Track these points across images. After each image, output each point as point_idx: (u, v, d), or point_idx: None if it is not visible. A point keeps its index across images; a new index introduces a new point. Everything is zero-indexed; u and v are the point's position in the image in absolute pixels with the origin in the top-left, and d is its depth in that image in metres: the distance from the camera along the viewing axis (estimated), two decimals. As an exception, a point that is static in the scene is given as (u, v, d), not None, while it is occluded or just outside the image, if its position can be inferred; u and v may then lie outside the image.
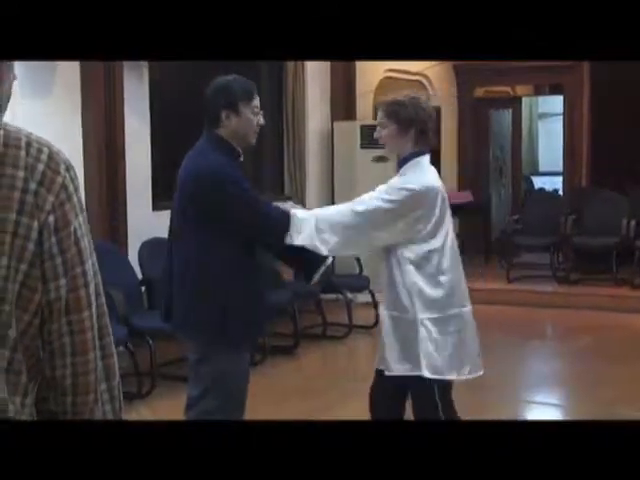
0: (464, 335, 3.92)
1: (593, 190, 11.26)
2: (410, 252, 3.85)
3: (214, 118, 3.76)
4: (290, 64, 9.26)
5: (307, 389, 6.66)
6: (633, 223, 10.08)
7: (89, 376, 1.77)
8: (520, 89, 14.18)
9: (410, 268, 3.84)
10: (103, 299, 1.81)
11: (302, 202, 9.42)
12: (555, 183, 14.31)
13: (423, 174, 3.90)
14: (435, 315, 3.84)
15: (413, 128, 3.89)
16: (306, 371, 7.52)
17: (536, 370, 7.78)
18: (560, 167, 12.69)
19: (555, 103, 14.64)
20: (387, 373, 3.92)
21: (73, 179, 1.75)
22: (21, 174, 1.67)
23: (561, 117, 12.69)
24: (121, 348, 6.31)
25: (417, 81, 11.88)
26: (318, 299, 8.31)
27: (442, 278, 3.86)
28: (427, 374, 3.81)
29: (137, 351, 6.30)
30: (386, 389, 4.03)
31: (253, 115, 3.78)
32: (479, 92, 13.12)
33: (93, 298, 1.77)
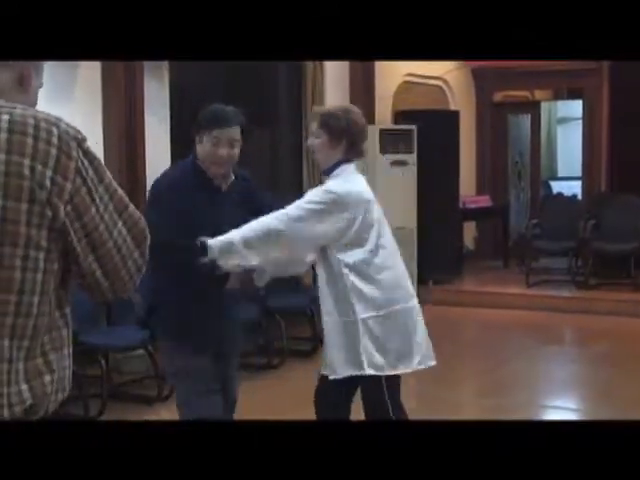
0: (411, 329, 4.03)
1: (612, 195, 11.22)
2: (345, 256, 3.94)
3: (192, 141, 3.85)
4: (309, 68, 9.28)
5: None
6: (652, 228, 10.05)
7: (120, 273, 1.80)
8: (539, 93, 14.13)
9: (346, 271, 3.94)
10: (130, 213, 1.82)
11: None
12: (573, 188, 14.25)
13: (347, 181, 3.98)
14: (375, 313, 3.95)
15: (344, 140, 3.97)
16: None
17: (554, 374, 7.76)
18: (579, 172, 12.65)
19: (574, 107, 14.60)
20: (332, 377, 3.98)
21: (86, 154, 1.72)
22: (27, 162, 1.64)
23: (580, 122, 12.65)
24: (141, 351, 6.35)
25: (436, 85, 11.88)
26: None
27: (379, 277, 3.97)
28: (370, 372, 3.92)
29: (157, 354, 6.33)
30: (329, 394, 4.09)
31: (211, 145, 3.73)
32: (498, 96, 13.09)
33: (118, 227, 1.78)
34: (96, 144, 6.94)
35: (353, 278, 3.94)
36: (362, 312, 3.94)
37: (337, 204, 3.89)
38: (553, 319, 9.51)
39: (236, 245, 3.76)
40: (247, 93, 9.24)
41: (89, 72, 6.86)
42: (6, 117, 1.66)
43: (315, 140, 4.04)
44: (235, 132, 3.76)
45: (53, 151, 1.66)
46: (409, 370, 4.04)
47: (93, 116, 6.96)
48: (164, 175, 3.96)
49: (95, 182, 1.72)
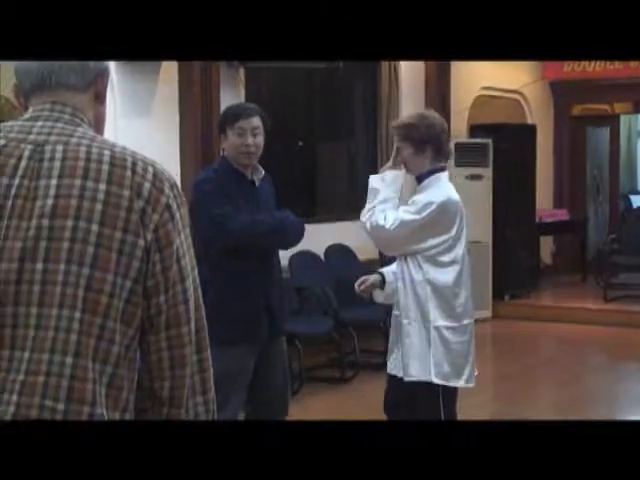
0: (472, 344, 4.13)
1: (694, 209, 11.01)
2: (430, 262, 4.01)
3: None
4: (385, 81, 9.31)
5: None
6: None
7: (184, 389, 1.81)
8: (618, 106, 13.93)
9: (430, 277, 4.00)
10: (203, 313, 1.85)
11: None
12: (654, 202, 14.02)
13: (442, 188, 4.10)
14: (452, 324, 4.02)
15: (428, 145, 4.05)
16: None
17: (631, 391, 7.62)
18: (660, 185, 12.43)
19: (655, 120, 14.35)
20: (406, 379, 4.05)
21: (177, 196, 1.79)
22: (127, 193, 1.72)
23: (661, 134, 12.44)
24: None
25: (513, 99, 11.80)
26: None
27: (460, 289, 4.05)
28: (436, 380, 3.97)
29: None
30: (400, 395, 4.14)
31: (236, 136, 4.07)
32: (576, 110, 12.94)
33: (192, 314, 1.80)
34: (173, 160, 7.12)
35: (435, 285, 4.01)
36: (438, 320, 4.00)
37: (440, 213, 4.01)
38: (631, 335, 9.33)
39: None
40: (324, 107, 9.31)
41: (167, 88, 7.00)
42: (108, 152, 1.75)
43: (401, 153, 4.13)
44: (257, 121, 4.11)
45: (147, 185, 1.74)
46: (462, 385, 4.07)
47: (170, 132, 7.09)
48: (206, 175, 4.26)
49: (180, 225, 1.79)
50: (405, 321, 4.05)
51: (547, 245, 12.21)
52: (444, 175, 4.13)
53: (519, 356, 8.66)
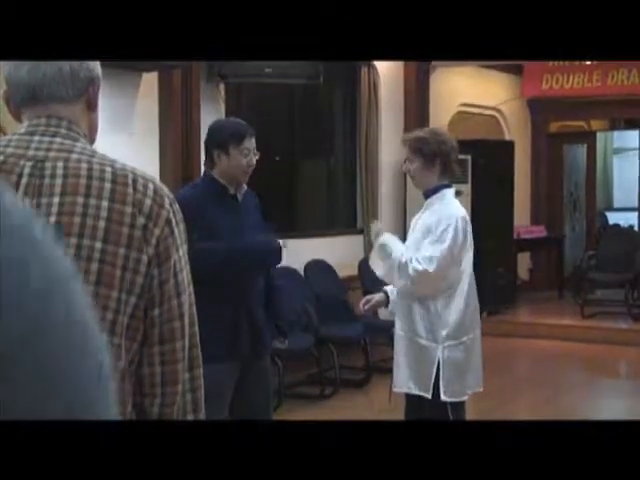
0: (478, 356, 4.20)
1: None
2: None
3: (209, 157, 4.08)
4: (364, 98, 9.32)
5: (378, 423, 6.65)
6: None
7: (173, 407, 1.81)
8: (595, 124, 14.05)
9: (438, 295, 4.07)
10: (196, 330, 1.85)
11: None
12: (630, 219, 14.10)
13: (449, 205, 4.13)
14: (457, 341, 4.06)
15: (437, 162, 4.09)
16: (377, 405, 7.51)
17: (609, 407, 7.65)
18: (635, 203, 12.53)
19: (631, 138, 14.48)
20: (398, 390, 4.17)
21: (176, 213, 1.80)
22: (129, 210, 1.72)
23: (637, 152, 12.54)
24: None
25: (491, 116, 11.87)
26: (391, 333, 8.30)
27: (465, 304, 4.08)
28: (446, 399, 4.01)
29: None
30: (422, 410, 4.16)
31: (242, 157, 4.01)
32: (554, 127, 13.03)
33: (187, 330, 1.81)
34: (153, 175, 7.08)
35: (444, 303, 4.06)
36: (446, 339, 4.05)
37: (458, 231, 4.04)
38: (609, 351, 9.38)
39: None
40: (303, 123, 9.32)
41: (146, 103, 6.98)
42: (109, 169, 1.75)
43: (410, 166, 4.18)
44: (254, 141, 4.09)
45: (148, 201, 1.75)
46: (471, 393, 4.17)
47: (150, 147, 7.07)
48: (188, 191, 4.16)
49: (179, 240, 1.79)
50: (414, 338, 4.11)
51: (524, 261, 12.26)
52: (450, 192, 4.18)
53: (497, 372, 8.66)
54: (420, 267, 3.97)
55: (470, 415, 4.26)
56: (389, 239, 4.18)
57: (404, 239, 4.46)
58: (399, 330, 4.21)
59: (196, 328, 1.84)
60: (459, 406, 4.09)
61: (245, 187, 4.18)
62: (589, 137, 13.55)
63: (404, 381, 4.13)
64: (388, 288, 4.26)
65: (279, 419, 6.18)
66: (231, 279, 4.03)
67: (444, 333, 4.02)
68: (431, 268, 3.96)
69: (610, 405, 7.76)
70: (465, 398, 4.11)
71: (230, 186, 4.09)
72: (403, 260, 4.01)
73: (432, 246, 4.02)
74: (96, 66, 1.87)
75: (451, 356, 4.03)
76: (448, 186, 4.17)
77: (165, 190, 1.81)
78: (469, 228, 4.10)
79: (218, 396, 3.93)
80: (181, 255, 1.80)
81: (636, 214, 12.62)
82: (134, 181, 1.76)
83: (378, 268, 4.16)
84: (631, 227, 13.43)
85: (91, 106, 1.88)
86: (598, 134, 14.02)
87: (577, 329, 10.05)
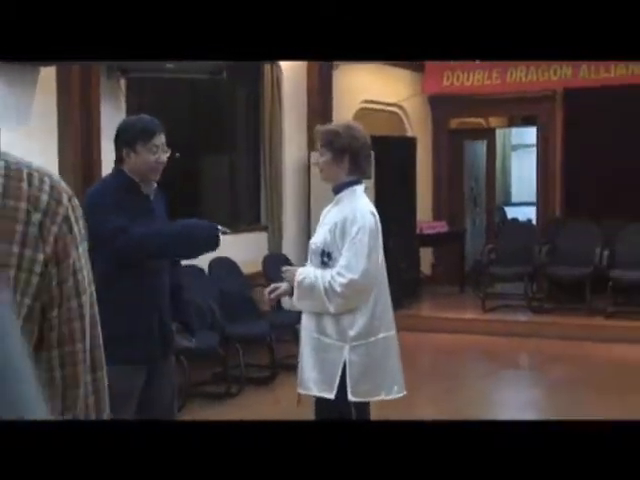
0: (392, 358, 4.13)
1: (566, 220, 11.37)
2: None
3: (118, 155, 4.07)
4: (267, 94, 9.31)
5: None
6: (606, 252, 10.17)
7: (75, 411, 1.76)
8: (494, 120, 14.32)
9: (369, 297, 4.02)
10: (99, 331, 1.78)
11: (279, 232, 9.45)
12: (528, 213, 14.42)
13: (358, 201, 4.09)
14: (365, 340, 4.00)
15: (346, 157, 4.04)
16: (283, 402, 7.51)
17: (510, 399, 7.80)
18: (533, 197, 12.80)
19: (528, 134, 14.80)
20: (302, 392, 4.10)
21: (75, 209, 1.73)
22: (23, 206, 1.64)
23: (534, 148, 12.82)
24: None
25: (393, 112, 11.97)
26: (295, 329, 8.31)
27: (374, 301, 4.04)
28: (353, 399, 3.97)
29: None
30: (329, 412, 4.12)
31: (151, 154, 3.98)
32: (454, 123, 13.23)
33: (88, 331, 1.75)
34: (52, 170, 6.92)
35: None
36: (352, 339, 3.99)
37: (370, 229, 4.00)
38: (509, 344, 9.58)
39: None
40: (206, 119, 9.25)
41: (45, 97, 6.82)
42: (1, 163, 1.66)
43: (320, 158, 4.13)
44: (163, 138, 4.05)
45: (44, 197, 1.67)
46: (389, 398, 4.11)
47: (48, 142, 6.91)
48: (99, 186, 4.24)
49: (78, 238, 1.72)
50: (321, 337, 4.04)
51: (427, 256, 12.41)
52: (360, 188, 4.13)
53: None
54: (344, 279, 3.90)
55: (371, 408, 4.24)
56: (303, 272, 4.06)
57: (308, 235, 4.43)
58: (306, 329, 4.15)
59: (99, 329, 1.78)
60: (363, 406, 4.05)
61: (155, 185, 4.13)
62: (489, 134, 13.80)
63: (306, 382, 4.09)
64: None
65: (184, 419, 6.13)
66: (151, 272, 3.98)
67: (352, 333, 3.97)
68: (355, 275, 3.90)
69: (510, 396, 7.91)
70: (378, 399, 4.07)
71: (141, 183, 4.03)
72: (327, 284, 3.93)
73: (348, 252, 3.95)
74: None
75: (359, 355, 3.97)
76: (358, 182, 4.12)
77: (63, 185, 1.72)
78: (379, 225, 4.07)
79: (128, 397, 3.88)
80: (80, 253, 1.73)
81: (534, 208, 12.90)
82: (29, 175, 1.67)
83: (306, 306, 4.06)
84: (529, 221, 13.73)
85: None
86: (497, 131, 14.29)
87: (478, 322, 10.23)
